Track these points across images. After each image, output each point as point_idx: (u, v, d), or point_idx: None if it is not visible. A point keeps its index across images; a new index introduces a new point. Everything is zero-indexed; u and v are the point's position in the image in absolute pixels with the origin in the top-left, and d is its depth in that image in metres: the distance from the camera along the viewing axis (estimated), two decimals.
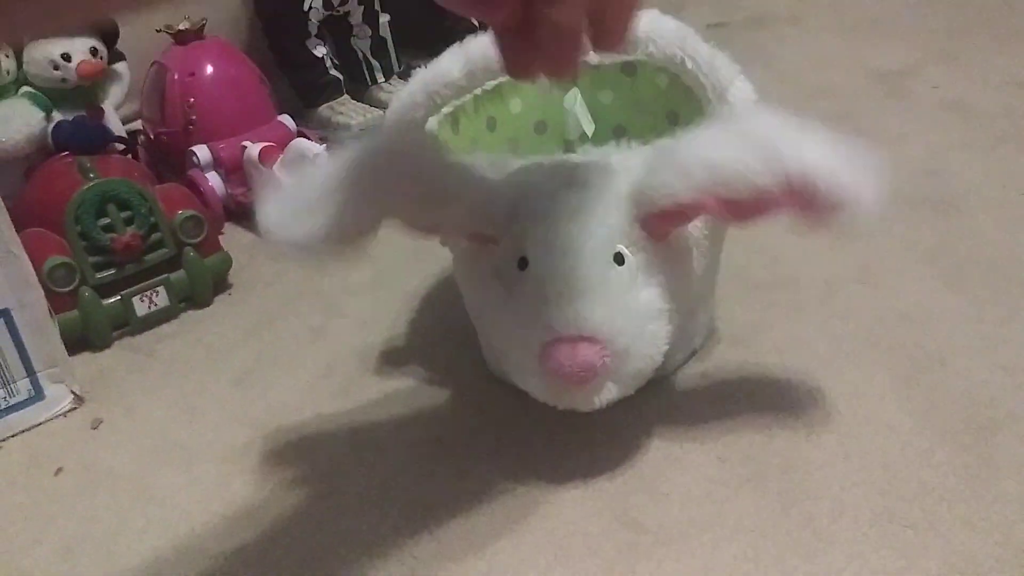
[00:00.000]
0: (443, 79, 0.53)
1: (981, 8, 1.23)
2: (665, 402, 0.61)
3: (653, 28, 0.51)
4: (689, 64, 0.51)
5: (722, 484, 0.54)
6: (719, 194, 0.46)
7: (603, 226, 0.50)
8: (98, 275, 0.77)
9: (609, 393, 0.51)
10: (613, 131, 0.70)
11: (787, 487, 0.53)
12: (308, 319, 0.78)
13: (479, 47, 0.52)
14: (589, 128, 0.68)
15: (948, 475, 0.52)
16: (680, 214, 0.49)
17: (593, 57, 0.69)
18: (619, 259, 0.50)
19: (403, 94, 0.56)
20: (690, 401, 0.61)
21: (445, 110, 0.64)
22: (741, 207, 0.47)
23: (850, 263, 0.72)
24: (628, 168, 0.54)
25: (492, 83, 0.67)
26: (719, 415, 0.59)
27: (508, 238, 0.51)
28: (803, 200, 0.45)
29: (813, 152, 0.45)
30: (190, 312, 0.81)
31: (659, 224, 0.51)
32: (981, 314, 0.64)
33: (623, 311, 0.49)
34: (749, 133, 0.47)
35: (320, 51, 1.06)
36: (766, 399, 0.60)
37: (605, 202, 0.51)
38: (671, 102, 0.68)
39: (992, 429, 0.54)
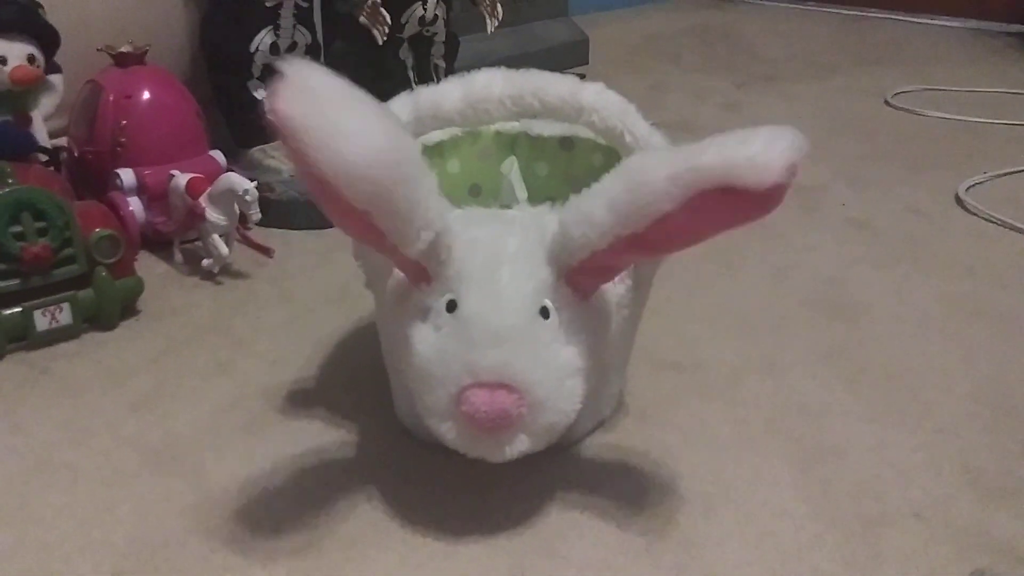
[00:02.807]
0: None
1: (889, 140, 1.32)
2: (570, 467, 0.61)
3: (598, 99, 0.53)
4: (628, 138, 0.54)
5: (620, 552, 0.54)
6: (627, 232, 0.47)
7: (533, 279, 0.51)
8: (1, 283, 0.74)
9: (520, 445, 0.51)
10: (545, 203, 0.72)
11: (683, 561, 0.53)
12: (216, 353, 0.76)
13: (428, 96, 0.54)
14: (522, 195, 0.70)
15: (836, 561, 0.53)
16: (600, 268, 0.51)
17: (534, 128, 0.72)
18: (545, 313, 0.52)
19: None
20: (594, 469, 0.61)
21: None
22: (653, 239, 0.47)
23: (756, 355, 0.75)
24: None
25: (435, 138, 0.69)
26: (621, 485, 0.60)
27: (440, 280, 0.52)
28: (711, 199, 0.44)
29: (704, 153, 0.45)
30: (93, 333, 0.79)
31: (581, 280, 0.52)
32: (874, 414, 0.67)
33: (544, 364, 0.50)
34: (641, 166, 0.47)
35: (261, 94, 1.06)
36: (668, 474, 0.61)
37: (536, 257, 0.52)
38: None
39: (880, 522, 0.56)
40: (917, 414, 0.67)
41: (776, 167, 0.43)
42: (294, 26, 1.05)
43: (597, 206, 0.48)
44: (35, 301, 0.76)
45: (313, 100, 0.44)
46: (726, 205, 0.45)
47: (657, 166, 0.46)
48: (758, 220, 0.46)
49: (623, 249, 0.48)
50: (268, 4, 1.01)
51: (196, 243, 0.92)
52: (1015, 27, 2.04)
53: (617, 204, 0.47)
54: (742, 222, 0.47)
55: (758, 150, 0.43)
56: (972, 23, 2.11)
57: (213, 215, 0.86)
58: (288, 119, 0.43)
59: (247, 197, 0.84)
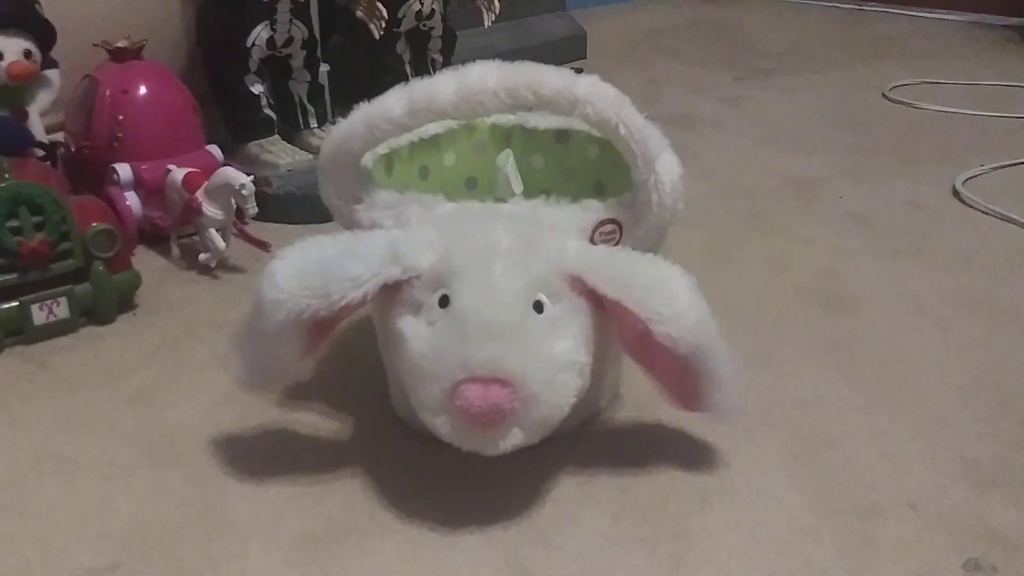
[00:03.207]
0: (385, 114, 0.54)
1: (887, 133, 1.32)
2: (566, 458, 0.61)
3: (592, 91, 0.53)
4: (622, 130, 0.54)
5: (615, 543, 0.54)
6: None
7: (527, 274, 0.51)
8: None
9: (514, 438, 0.51)
10: (540, 196, 0.72)
11: (677, 551, 0.54)
12: (214, 346, 0.76)
13: (423, 89, 0.54)
14: (518, 188, 0.70)
15: (831, 552, 0.53)
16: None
17: (530, 120, 0.72)
18: (539, 307, 0.52)
19: (343, 125, 0.57)
20: (590, 460, 0.62)
21: (381, 150, 0.65)
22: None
23: (753, 346, 0.75)
24: (555, 222, 0.56)
25: (431, 131, 0.69)
26: (617, 476, 0.60)
27: (432, 275, 0.52)
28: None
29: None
30: (90, 328, 0.79)
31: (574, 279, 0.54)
32: (870, 405, 0.67)
33: (537, 358, 0.50)
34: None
35: (257, 89, 1.07)
36: (664, 465, 0.61)
37: (530, 251, 0.52)
38: (599, 173, 0.71)
39: (874, 512, 0.56)
40: (913, 405, 0.67)
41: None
42: (291, 20, 1.05)
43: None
44: (32, 295, 0.76)
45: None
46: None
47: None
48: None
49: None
50: None
51: (193, 237, 0.93)
52: (1013, 20, 2.04)
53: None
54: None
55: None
56: (970, 16, 2.11)
57: (210, 209, 0.86)
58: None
59: (244, 191, 0.84)
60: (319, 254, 0.53)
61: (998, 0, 2.08)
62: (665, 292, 0.52)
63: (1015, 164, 1.17)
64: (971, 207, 1.04)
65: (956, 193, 1.08)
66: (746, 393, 0.58)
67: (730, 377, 0.56)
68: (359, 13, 1.09)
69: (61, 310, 0.77)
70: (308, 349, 0.57)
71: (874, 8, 2.26)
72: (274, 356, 0.56)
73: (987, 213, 1.02)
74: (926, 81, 1.57)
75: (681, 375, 0.56)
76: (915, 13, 2.17)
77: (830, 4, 2.33)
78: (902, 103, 1.46)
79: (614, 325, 0.56)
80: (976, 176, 1.13)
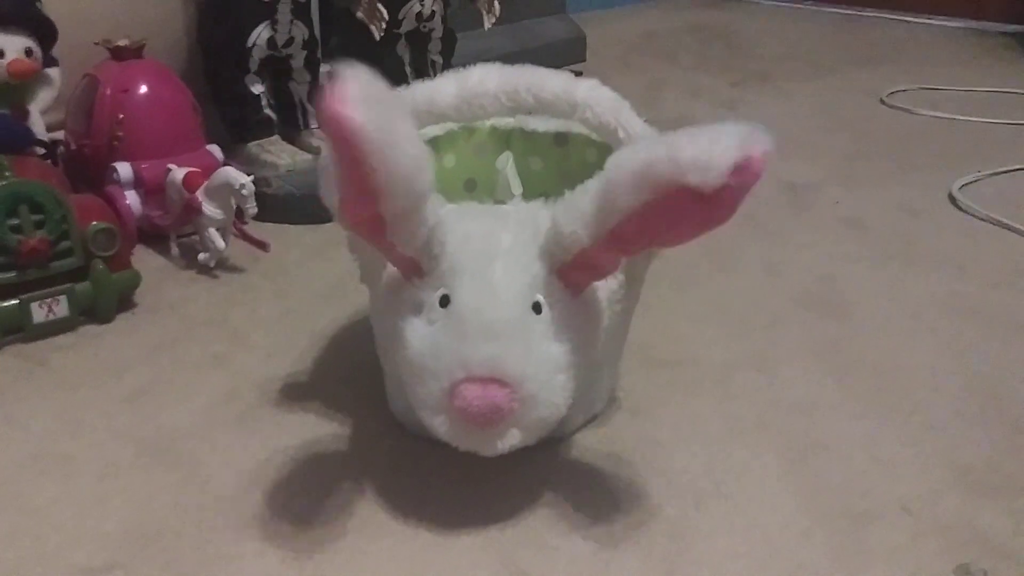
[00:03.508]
0: None
1: (883, 139, 1.32)
2: (562, 461, 0.62)
3: (592, 95, 0.53)
4: (621, 134, 0.54)
5: (610, 545, 0.55)
6: (607, 228, 0.47)
7: (526, 274, 0.52)
8: None
9: (512, 439, 0.52)
10: (539, 198, 0.73)
11: (672, 553, 0.54)
12: (211, 346, 0.76)
13: (423, 91, 0.54)
14: (518, 190, 0.71)
15: (824, 556, 0.54)
16: (591, 265, 0.52)
17: (529, 123, 0.72)
18: (537, 308, 0.52)
19: None
20: (586, 463, 0.62)
21: None
22: (629, 236, 0.47)
23: (748, 351, 0.75)
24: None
25: (430, 133, 0.69)
26: (612, 479, 0.60)
27: (434, 274, 0.52)
28: (668, 198, 0.44)
29: (657, 144, 0.44)
30: (90, 326, 0.79)
31: (574, 275, 0.53)
32: (864, 410, 0.68)
33: (536, 359, 0.51)
34: (615, 161, 0.47)
35: (257, 89, 1.07)
36: (659, 468, 0.61)
37: (530, 252, 0.52)
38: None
39: (868, 516, 0.57)
40: (906, 410, 0.68)
41: (719, 167, 0.42)
42: (291, 21, 1.05)
43: (585, 202, 0.48)
44: (32, 293, 0.76)
45: (376, 107, 0.44)
46: (678, 205, 0.44)
47: (627, 162, 0.46)
48: (716, 224, 0.46)
49: (607, 246, 0.49)
50: None
51: (192, 237, 0.93)
52: (1010, 27, 2.05)
53: (597, 200, 0.47)
54: (699, 225, 0.46)
55: (701, 149, 0.42)
56: (967, 23, 2.12)
57: (209, 209, 0.86)
58: (351, 123, 0.42)
59: (243, 191, 0.84)
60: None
61: (996, 7, 2.08)
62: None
63: (1012, 171, 1.17)
64: (967, 213, 1.05)
65: (952, 199, 1.08)
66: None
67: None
68: (359, 14, 1.09)
69: (60, 308, 0.77)
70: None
71: (872, 14, 2.26)
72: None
73: (983, 220, 1.03)
74: (923, 87, 1.58)
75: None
76: (913, 19, 2.18)
77: (828, 9, 2.34)
78: (899, 109, 1.46)
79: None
80: (972, 182, 1.13)
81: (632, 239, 0.48)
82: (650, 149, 0.44)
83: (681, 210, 0.45)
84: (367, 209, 0.47)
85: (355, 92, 0.43)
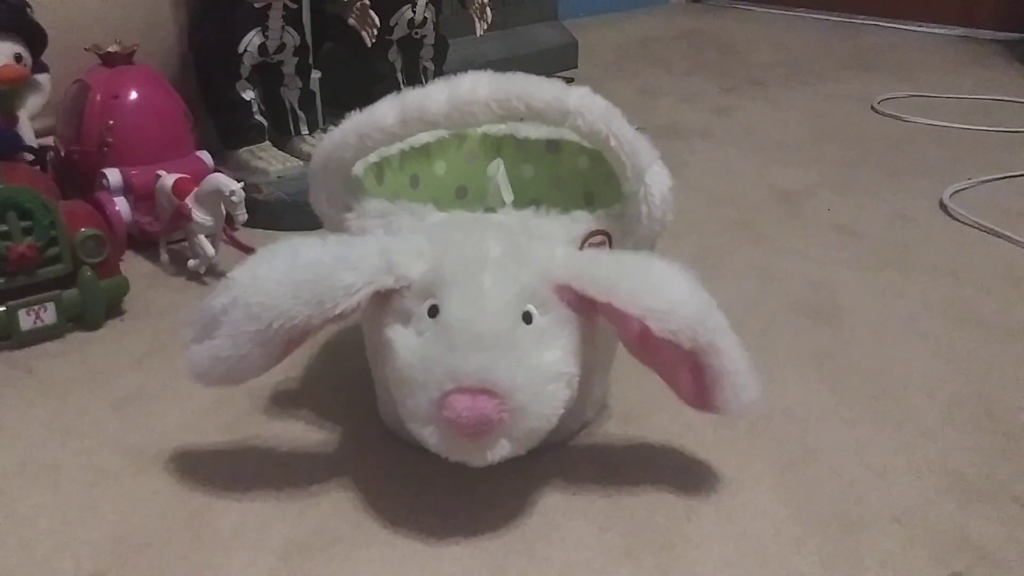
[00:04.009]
0: (376, 123, 0.54)
1: (875, 146, 1.33)
2: (553, 469, 0.61)
3: (583, 103, 0.53)
4: (613, 142, 0.54)
5: (601, 554, 0.54)
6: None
7: (516, 284, 0.51)
8: None
9: (502, 449, 0.52)
10: (531, 205, 0.72)
11: (663, 562, 0.54)
12: None
13: (415, 98, 0.54)
14: (509, 197, 0.70)
15: (816, 564, 0.54)
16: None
17: (521, 130, 0.72)
18: (527, 318, 0.52)
19: (335, 134, 0.57)
20: (577, 471, 0.62)
21: (372, 158, 0.65)
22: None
23: None
24: (544, 233, 0.56)
25: (421, 140, 0.69)
26: (604, 487, 0.60)
27: (422, 285, 0.52)
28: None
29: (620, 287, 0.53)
30: (78, 333, 0.79)
31: (567, 292, 0.54)
32: (856, 417, 0.68)
33: (526, 369, 0.51)
34: (595, 274, 0.54)
35: (248, 95, 1.07)
36: (650, 477, 0.61)
37: (520, 262, 0.52)
38: (589, 183, 0.71)
39: (860, 524, 0.57)
40: (899, 417, 0.68)
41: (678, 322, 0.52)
42: (283, 27, 1.05)
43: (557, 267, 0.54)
44: (20, 300, 0.75)
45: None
46: (633, 332, 0.53)
47: (598, 277, 0.54)
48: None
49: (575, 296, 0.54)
50: (257, 5, 1.01)
51: (182, 243, 0.92)
52: (1001, 35, 2.06)
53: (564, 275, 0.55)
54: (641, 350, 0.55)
55: (660, 299, 0.52)
56: (959, 30, 2.12)
57: (199, 216, 0.86)
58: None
59: (233, 198, 0.84)
60: (309, 260, 0.53)
61: (987, 15, 2.09)
62: (656, 287, 0.51)
63: (1002, 178, 1.18)
64: (958, 220, 1.05)
65: (943, 206, 1.09)
66: (759, 390, 0.55)
67: (739, 372, 0.54)
68: (351, 20, 1.09)
69: (48, 315, 0.77)
70: (281, 355, 0.55)
71: (864, 21, 2.27)
72: (247, 358, 0.54)
73: (974, 227, 1.03)
74: (915, 94, 1.58)
75: (692, 371, 0.54)
76: (905, 27, 2.19)
77: (821, 16, 2.35)
78: (891, 116, 1.47)
79: (613, 331, 0.55)
80: (963, 189, 1.14)
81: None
82: (615, 276, 0.53)
83: (636, 337, 0.53)
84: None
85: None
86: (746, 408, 0.56)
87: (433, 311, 0.52)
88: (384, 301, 0.54)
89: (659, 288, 0.52)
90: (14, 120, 0.91)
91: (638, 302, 0.51)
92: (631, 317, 0.51)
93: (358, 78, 1.18)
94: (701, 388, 0.55)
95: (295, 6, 1.05)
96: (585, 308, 0.54)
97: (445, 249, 0.52)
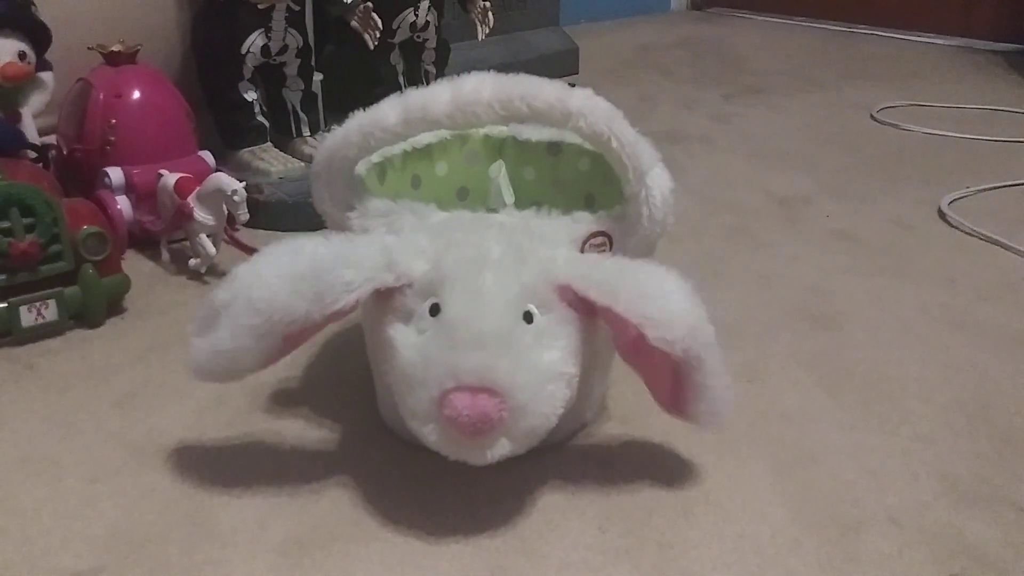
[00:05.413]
0: (379, 123, 0.55)
1: (874, 154, 1.33)
2: (552, 469, 0.62)
3: (585, 104, 0.54)
4: (614, 143, 0.54)
5: (600, 553, 0.55)
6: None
7: (517, 284, 0.52)
8: None
9: (502, 448, 0.52)
10: (532, 207, 0.73)
11: (662, 562, 0.54)
12: None
13: (418, 98, 0.54)
14: (510, 198, 0.71)
15: (813, 565, 0.54)
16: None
17: (523, 132, 0.73)
18: (528, 318, 0.52)
19: (337, 132, 0.58)
20: (576, 471, 0.62)
21: (374, 159, 0.66)
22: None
23: (739, 362, 0.76)
24: (545, 234, 0.56)
25: (424, 140, 0.69)
26: (603, 487, 0.60)
27: (423, 283, 0.52)
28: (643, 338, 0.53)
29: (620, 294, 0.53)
30: (79, 330, 0.79)
31: (568, 293, 0.54)
32: (853, 421, 0.68)
33: (526, 368, 0.51)
34: (593, 276, 0.54)
35: (251, 96, 1.07)
36: (649, 477, 0.61)
37: (521, 261, 0.52)
38: (590, 185, 0.72)
39: (856, 527, 0.57)
40: (895, 421, 0.68)
41: (677, 332, 0.52)
42: (286, 29, 1.05)
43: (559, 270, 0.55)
44: (21, 297, 0.76)
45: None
46: (631, 340, 0.54)
47: (596, 280, 0.54)
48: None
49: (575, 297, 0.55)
50: (260, 6, 1.01)
51: (183, 243, 0.93)
52: (999, 45, 2.07)
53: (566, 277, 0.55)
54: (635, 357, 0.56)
55: (660, 308, 0.52)
56: (958, 40, 2.13)
57: (201, 215, 0.86)
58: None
59: (235, 198, 0.84)
60: (311, 256, 0.53)
61: (985, 25, 2.10)
62: (658, 296, 0.52)
63: (1000, 187, 1.18)
64: (956, 228, 1.05)
65: (941, 214, 1.09)
66: (733, 408, 0.58)
67: (719, 388, 0.56)
68: (354, 23, 1.10)
69: (49, 312, 0.77)
70: (280, 352, 0.56)
71: (864, 30, 2.28)
72: (247, 351, 0.54)
73: (971, 234, 1.03)
74: (914, 103, 1.59)
75: (674, 379, 0.55)
76: (904, 36, 2.20)
77: (820, 25, 2.36)
78: (889, 124, 1.47)
79: (609, 332, 0.56)
80: (961, 198, 1.14)
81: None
82: (616, 281, 0.53)
83: (630, 341, 0.54)
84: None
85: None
86: (718, 423, 0.58)
87: (434, 310, 0.52)
88: (385, 300, 0.54)
89: (658, 297, 0.52)
90: (17, 117, 0.91)
91: (637, 310, 0.52)
92: (629, 323, 0.52)
93: (360, 81, 1.19)
94: (680, 397, 0.57)
95: (298, 8, 1.06)
96: (584, 309, 0.55)
97: (447, 248, 0.53)
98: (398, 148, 0.69)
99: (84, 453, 0.63)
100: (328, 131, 1.12)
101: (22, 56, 0.90)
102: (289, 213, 1.00)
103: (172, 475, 0.61)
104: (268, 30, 1.04)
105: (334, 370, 0.74)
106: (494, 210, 0.69)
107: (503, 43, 1.55)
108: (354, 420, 0.67)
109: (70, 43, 0.97)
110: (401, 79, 1.24)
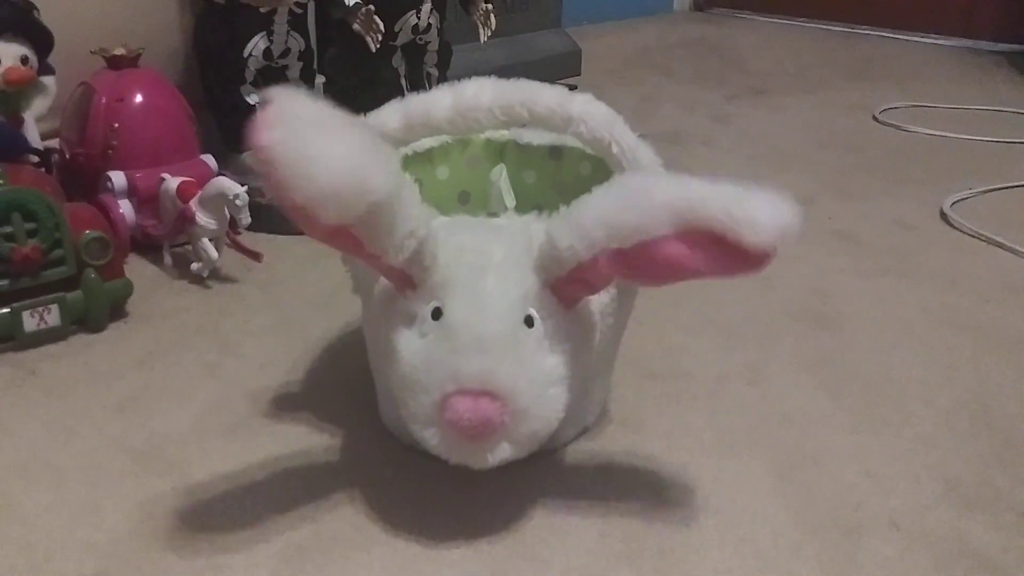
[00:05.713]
0: (381, 128, 0.55)
1: (876, 155, 1.33)
2: (553, 474, 0.62)
3: (586, 109, 0.54)
4: (615, 148, 0.54)
5: (601, 557, 0.55)
6: (613, 246, 0.48)
7: (518, 287, 0.52)
8: None
9: (503, 452, 0.52)
10: (532, 211, 0.73)
11: (663, 567, 0.54)
12: (203, 355, 0.76)
13: (419, 104, 0.55)
14: (511, 202, 0.71)
15: (814, 569, 0.54)
16: (584, 281, 0.52)
17: (523, 136, 0.73)
18: (529, 322, 0.52)
19: None
20: (577, 476, 0.62)
21: None
22: (635, 259, 0.48)
23: (740, 364, 0.76)
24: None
25: (425, 145, 0.70)
26: (604, 492, 0.60)
27: (425, 287, 0.52)
28: (701, 241, 0.46)
29: (703, 191, 0.46)
30: (81, 335, 0.79)
31: (566, 289, 0.53)
32: (855, 423, 0.68)
33: (527, 372, 0.51)
34: (642, 187, 0.48)
35: (253, 99, 1.07)
36: (650, 481, 0.61)
37: (522, 266, 0.53)
38: (591, 189, 0.72)
39: (858, 530, 0.57)
40: (897, 424, 0.68)
41: (774, 234, 0.45)
42: (288, 32, 1.05)
43: (589, 217, 0.48)
44: (24, 302, 0.76)
45: (288, 129, 0.43)
46: (715, 253, 0.46)
47: (659, 191, 0.47)
48: (735, 276, 0.48)
49: (605, 263, 0.49)
50: (262, 10, 1.01)
51: (186, 247, 0.93)
52: (1002, 46, 2.06)
53: (609, 217, 0.48)
54: (721, 273, 0.48)
55: (763, 215, 0.45)
56: (960, 41, 2.13)
57: (203, 219, 0.86)
58: (263, 149, 0.43)
59: (237, 201, 0.84)
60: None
61: (987, 26, 2.10)
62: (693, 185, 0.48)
63: (1003, 188, 1.18)
64: (958, 229, 1.05)
65: (943, 215, 1.09)
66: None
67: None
68: (356, 26, 1.10)
69: (52, 317, 0.77)
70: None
71: (866, 31, 2.28)
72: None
73: (974, 236, 1.03)
74: (916, 104, 1.59)
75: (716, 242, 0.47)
76: (906, 37, 2.20)
77: (823, 26, 2.35)
78: (892, 125, 1.47)
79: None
80: (964, 199, 1.14)
81: (640, 266, 0.48)
82: (692, 191, 0.46)
83: (710, 257, 0.47)
84: (310, 224, 0.46)
85: (271, 117, 0.43)
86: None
87: (436, 313, 0.52)
88: (389, 303, 0.54)
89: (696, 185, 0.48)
90: (20, 122, 0.91)
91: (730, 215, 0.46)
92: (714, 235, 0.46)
93: (362, 83, 1.19)
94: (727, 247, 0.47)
95: (300, 11, 1.06)
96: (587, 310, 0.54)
97: (449, 251, 0.53)
98: (399, 152, 0.69)
99: (86, 458, 0.63)
100: None
101: (24, 60, 0.90)
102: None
103: (174, 480, 0.61)
104: (270, 33, 1.04)
105: (334, 374, 0.74)
106: (495, 214, 0.69)
107: (505, 45, 1.55)
108: (355, 424, 0.67)
109: (72, 47, 0.97)
110: (403, 81, 1.24)
